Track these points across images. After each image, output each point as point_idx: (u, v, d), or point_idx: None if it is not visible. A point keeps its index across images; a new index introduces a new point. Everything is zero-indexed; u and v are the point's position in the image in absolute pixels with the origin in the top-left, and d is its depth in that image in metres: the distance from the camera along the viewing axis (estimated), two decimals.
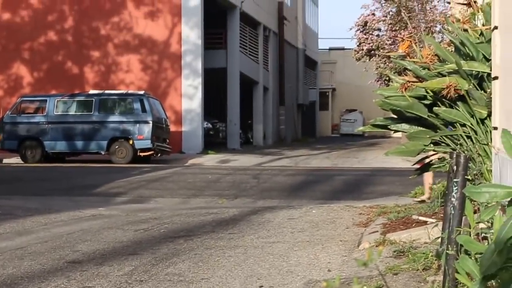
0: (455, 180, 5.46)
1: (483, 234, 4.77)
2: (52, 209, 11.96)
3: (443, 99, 8.66)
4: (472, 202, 5.23)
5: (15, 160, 24.93)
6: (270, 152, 33.42)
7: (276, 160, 28.01)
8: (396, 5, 28.82)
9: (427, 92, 9.04)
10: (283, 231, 9.19)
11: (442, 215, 6.71)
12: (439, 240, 5.91)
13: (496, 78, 6.72)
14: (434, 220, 8.29)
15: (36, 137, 24.72)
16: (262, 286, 6.09)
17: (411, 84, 9.08)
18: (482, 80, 8.28)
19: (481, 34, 8.70)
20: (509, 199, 3.74)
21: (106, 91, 26.43)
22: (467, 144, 8.42)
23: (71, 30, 30.44)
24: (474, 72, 8.43)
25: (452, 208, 5.36)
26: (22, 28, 29.94)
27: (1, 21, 29.67)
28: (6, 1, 29.14)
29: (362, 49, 32.26)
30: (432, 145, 9.26)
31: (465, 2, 10.58)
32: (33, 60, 30.54)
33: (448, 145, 8.88)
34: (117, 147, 24.56)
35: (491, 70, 7.35)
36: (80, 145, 25.10)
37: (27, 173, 20.23)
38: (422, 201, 10.47)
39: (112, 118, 24.78)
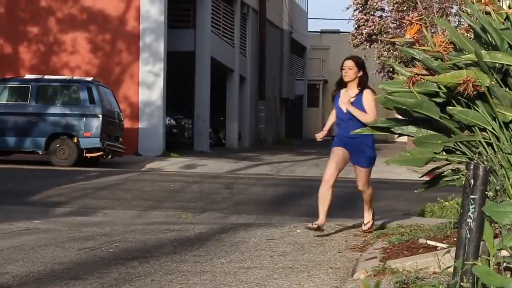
0: (472, 196, 5.36)
1: (505, 264, 4.76)
2: None
3: (459, 97, 8.53)
4: (493, 224, 5.21)
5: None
6: (246, 156, 33.70)
7: (254, 167, 28.33)
8: None
9: (439, 88, 8.85)
10: (260, 254, 9.21)
11: (455, 239, 6.66)
12: (451, 270, 5.86)
13: None
14: (445, 245, 8.15)
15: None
16: None
17: (421, 78, 8.96)
18: (507, 75, 8.16)
19: (507, 18, 8.58)
20: None
21: (46, 77, 26.50)
22: (487, 153, 8.31)
23: (2, 1, 30.77)
24: (497, 64, 8.30)
25: (468, 231, 5.32)
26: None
27: None
28: None
29: (361, 33, 32.49)
30: (444, 153, 9.11)
31: None
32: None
33: (464, 153, 8.75)
34: (58, 145, 24.60)
35: None
36: (12, 142, 25.18)
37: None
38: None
39: (53, 109, 24.90)
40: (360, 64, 9.62)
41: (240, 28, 39.79)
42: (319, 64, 61.83)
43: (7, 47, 31.39)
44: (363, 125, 8.95)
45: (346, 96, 9.64)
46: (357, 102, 9.47)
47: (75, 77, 27.81)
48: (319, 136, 9.83)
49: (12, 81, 26.10)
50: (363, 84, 9.70)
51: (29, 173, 21.94)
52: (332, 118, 10.02)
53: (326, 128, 10.16)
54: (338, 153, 9.63)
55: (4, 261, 7.94)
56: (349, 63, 9.47)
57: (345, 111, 9.71)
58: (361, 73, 9.66)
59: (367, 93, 9.50)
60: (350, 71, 9.34)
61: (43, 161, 25.06)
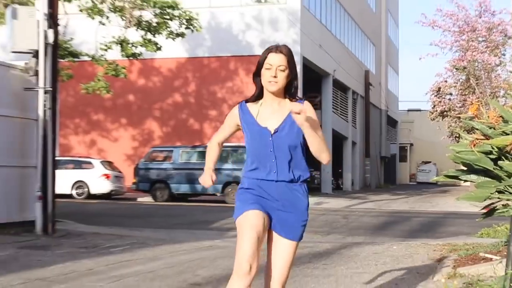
0: None
1: None
2: (176, 240, 12.06)
3: (507, 154, 7.54)
4: None
5: (147, 199, 26.01)
6: (357, 196, 33.39)
7: (362, 203, 27.55)
8: (465, 73, 28.51)
9: (492, 148, 7.95)
10: (368, 263, 8.99)
11: (505, 253, 6.54)
12: (503, 274, 5.77)
13: None
14: (498, 258, 7.94)
15: (164, 180, 25.50)
16: None
17: (479, 141, 7.92)
18: None
19: None
20: None
21: (225, 144, 27.25)
22: None
23: (193, 93, 31.54)
24: None
25: None
26: (154, 91, 31.42)
27: (137, 86, 31.23)
28: (141, 70, 30.65)
29: (436, 110, 32.12)
30: (497, 193, 7.86)
31: None
32: (162, 117, 31.84)
33: (511, 193, 7.51)
34: (229, 190, 24.45)
35: None
36: (200, 188, 25.03)
37: (156, 210, 20.72)
38: None
39: (226, 166, 24.64)
40: (291, 59, 3.35)
41: (351, 108, 41.25)
42: (407, 132, 64.99)
43: (196, 124, 31.81)
44: (303, 161, 3.48)
45: (280, 109, 3.37)
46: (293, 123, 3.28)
47: (242, 143, 27.89)
48: (207, 182, 3.66)
49: (199, 147, 26.08)
50: (294, 91, 3.44)
51: (210, 208, 22.14)
52: (217, 151, 3.85)
53: (212, 166, 3.83)
54: (254, 222, 3.36)
55: (196, 267, 8.06)
56: (280, 59, 3.26)
57: (273, 131, 3.36)
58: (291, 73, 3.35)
59: (309, 107, 3.39)
60: (281, 74, 3.28)
61: (220, 200, 25.20)
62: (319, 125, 3.29)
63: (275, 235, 3.31)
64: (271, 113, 3.27)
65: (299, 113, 2.99)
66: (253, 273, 3.09)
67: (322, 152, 3.26)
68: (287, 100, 3.27)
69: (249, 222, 3.17)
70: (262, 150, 3.27)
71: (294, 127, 3.19)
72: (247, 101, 3.37)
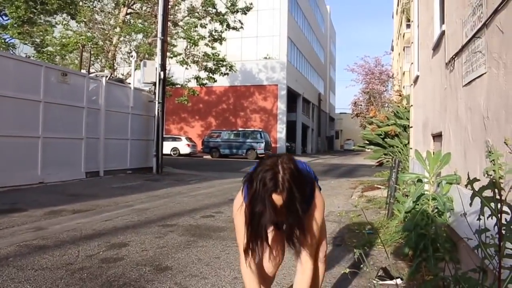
0: (394, 170, 5.43)
1: (406, 194, 4.58)
2: (223, 177, 12.34)
3: (389, 135, 8.57)
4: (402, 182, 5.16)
5: (208, 157, 28.48)
6: (314, 156, 36.62)
7: (316, 160, 29.99)
8: (368, 95, 34.26)
9: (382, 132, 8.90)
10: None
11: (387, 184, 6.79)
12: (385, 195, 5.88)
13: (411, 127, 7.01)
14: (384, 187, 7.87)
15: (217, 147, 27.96)
16: None
17: (375, 128, 9.25)
18: (405, 128, 8.22)
19: (405, 108, 8.87)
20: (416, 179, 3.84)
21: (246, 129, 29.42)
22: (400, 154, 8.11)
23: (231, 104, 35.25)
24: (402, 124, 8.41)
25: (392, 182, 5.36)
26: (212, 102, 35.71)
27: (203, 99, 35.37)
28: (206, 92, 34.34)
29: (354, 113, 36.90)
30: (384, 155, 9.08)
31: (398, 94, 13.91)
32: (216, 116, 35.63)
33: (391, 155, 8.60)
34: (249, 152, 26.84)
35: (409, 124, 7.22)
36: (234, 151, 27.46)
37: (213, 162, 21.93)
38: None
39: (248, 140, 27.17)
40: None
41: (311, 111, 48.32)
42: (339, 124, 74.84)
43: (233, 119, 34.93)
44: None
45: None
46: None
47: (255, 129, 29.57)
48: None
49: (234, 131, 28.23)
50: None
51: (240, 162, 22.61)
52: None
53: None
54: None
55: (232, 190, 7.67)
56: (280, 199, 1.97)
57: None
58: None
59: (318, 202, 2.26)
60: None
61: (244, 158, 26.47)
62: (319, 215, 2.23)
63: None
64: None
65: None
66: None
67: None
68: None
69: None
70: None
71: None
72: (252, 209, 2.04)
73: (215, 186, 9.48)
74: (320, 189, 2.43)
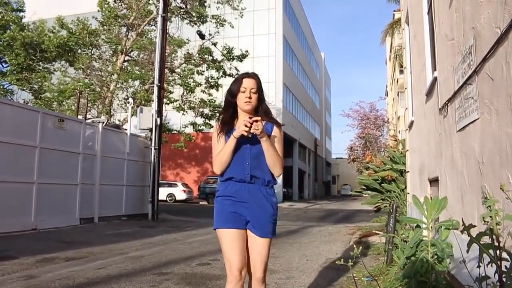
0: (392, 216, 5.43)
1: (404, 240, 4.56)
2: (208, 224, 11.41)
3: (386, 180, 8.63)
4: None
5: (204, 202, 28.14)
6: (310, 201, 37.94)
7: (313, 205, 30.21)
8: (364, 140, 34.92)
9: (378, 177, 8.95)
10: (317, 235, 8.95)
11: (385, 231, 6.51)
12: (384, 241, 5.84)
13: (407, 172, 7.21)
14: (382, 233, 7.75)
15: (213, 193, 25.45)
16: (307, 259, 6.23)
17: (372, 173, 9.27)
18: (402, 172, 8.30)
19: (401, 152, 8.95)
20: (415, 225, 3.79)
21: None
22: (397, 199, 8.28)
23: None
24: (399, 169, 8.51)
25: (390, 228, 5.34)
26: (208, 148, 33.35)
27: (200, 145, 34.08)
28: (202, 137, 32.64)
29: (351, 158, 37.93)
30: (381, 200, 9.12)
31: (394, 139, 13.57)
32: (211, 162, 30.27)
33: (388, 200, 8.68)
34: None
35: (406, 169, 7.34)
36: None
37: (209, 208, 21.11)
38: None
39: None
40: (260, 84, 2.84)
41: (308, 157, 49.84)
42: (335, 169, 78.91)
43: None
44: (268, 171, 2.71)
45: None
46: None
47: None
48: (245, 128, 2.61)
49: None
50: (264, 112, 2.85)
51: None
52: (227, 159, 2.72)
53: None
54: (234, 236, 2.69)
55: None
56: (252, 83, 2.77)
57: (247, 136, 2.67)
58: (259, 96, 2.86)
59: (277, 128, 2.85)
60: (254, 96, 2.78)
61: None
62: (279, 143, 2.72)
63: (250, 234, 2.65)
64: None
65: (250, 126, 2.49)
66: (244, 276, 2.59)
67: (274, 166, 2.65)
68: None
69: (229, 237, 2.60)
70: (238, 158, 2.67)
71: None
72: (222, 120, 2.76)
73: (212, 232, 9.43)
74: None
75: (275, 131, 2.81)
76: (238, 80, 2.78)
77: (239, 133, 2.62)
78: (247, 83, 2.75)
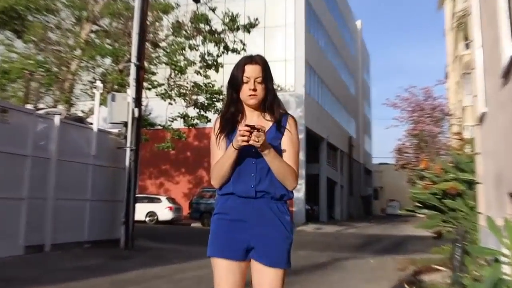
0: (457, 244, 5.61)
1: (476, 279, 4.61)
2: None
3: (448, 195, 8.67)
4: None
5: (197, 224, 28.67)
6: (344, 223, 37.65)
7: (348, 229, 30.31)
8: (417, 138, 35.49)
9: (438, 191, 9.00)
10: (353, 272, 9.13)
11: (450, 266, 6.64)
12: (448, 280, 5.92)
13: (479, 183, 7.09)
14: (445, 269, 8.01)
15: (210, 211, 26.08)
16: None
17: (429, 186, 9.31)
18: (471, 184, 8.19)
19: (469, 156, 8.69)
20: (491, 258, 3.80)
21: None
22: (465, 222, 8.17)
23: None
24: (467, 179, 8.35)
25: (457, 262, 5.48)
26: (204, 149, 34.02)
27: (193, 146, 35.48)
28: (196, 135, 34.33)
29: (399, 164, 38.96)
30: (442, 222, 9.20)
31: (459, 137, 12.20)
32: (209, 167, 33.61)
33: (452, 222, 8.72)
34: None
35: (476, 179, 7.36)
36: None
37: (204, 233, 16.97)
38: None
39: None
40: (267, 70, 2.88)
41: (340, 162, 50.23)
42: (378, 179, 79.64)
43: None
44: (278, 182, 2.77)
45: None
46: (274, 139, 2.83)
47: None
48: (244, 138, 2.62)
49: None
50: (273, 106, 2.93)
51: None
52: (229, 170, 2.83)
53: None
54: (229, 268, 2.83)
55: None
56: (257, 71, 2.80)
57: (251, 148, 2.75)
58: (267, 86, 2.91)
59: (292, 122, 2.91)
60: (260, 87, 2.82)
61: None
62: (294, 143, 2.78)
63: (256, 265, 2.72)
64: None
65: (248, 134, 2.52)
66: None
67: (285, 179, 2.69)
68: (266, 113, 2.80)
69: (223, 269, 2.77)
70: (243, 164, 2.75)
71: (276, 140, 2.76)
72: (223, 117, 2.88)
73: (208, 266, 9.03)
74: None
75: (290, 125, 2.88)
76: (240, 67, 2.86)
77: (238, 144, 2.67)
78: (251, 71, 2.82)
